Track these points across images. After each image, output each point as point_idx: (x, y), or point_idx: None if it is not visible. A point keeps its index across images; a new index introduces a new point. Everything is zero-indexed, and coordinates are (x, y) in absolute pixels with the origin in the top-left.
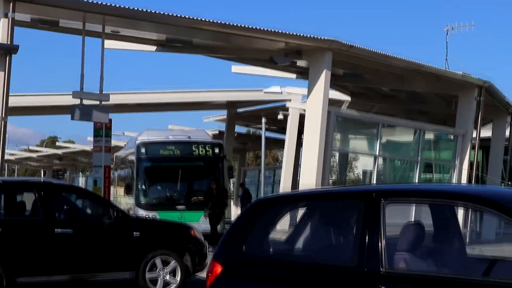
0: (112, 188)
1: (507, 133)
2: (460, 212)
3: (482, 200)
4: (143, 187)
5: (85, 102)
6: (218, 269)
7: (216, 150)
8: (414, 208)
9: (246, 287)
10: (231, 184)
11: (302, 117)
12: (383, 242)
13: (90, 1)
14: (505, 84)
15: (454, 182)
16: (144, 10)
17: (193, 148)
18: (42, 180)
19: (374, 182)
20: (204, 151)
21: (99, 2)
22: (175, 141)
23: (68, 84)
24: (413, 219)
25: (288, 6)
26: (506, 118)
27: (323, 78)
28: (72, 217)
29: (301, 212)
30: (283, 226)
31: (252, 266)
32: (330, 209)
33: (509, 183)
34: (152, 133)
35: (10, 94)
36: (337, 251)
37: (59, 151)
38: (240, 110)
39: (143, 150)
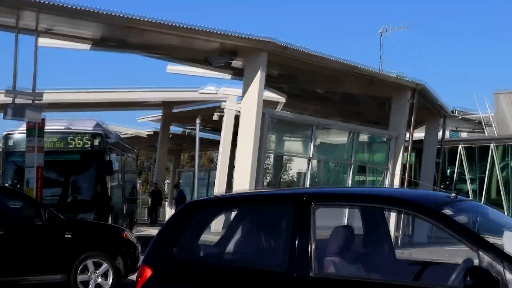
0: None
1: (440, 135)
2: (393, 216)
3: (413, 204)
4: (9, 185)
5: (18, 100)
6: (148, 273)
7: (96, 142)
8: (346, 211)
9: None
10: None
11: (237, 118)
12: (313, 246)
13: None
14: (438, 86)
15: (386, 184)
16: (79, 7)
17: (68, 140)
18: None
19: (308, 184)
20: (81, 142)
21: None
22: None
23: (0, 82)
24: (345, 222)
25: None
26: (438, 120)
27: (258, 79)
28: (2, 218)
29: (232, 215)
30: (216, 228)
31: (182, 270)
32: (261, 212)
33: (441, 187)
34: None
35: None
36: (268, 255)
37: None
38: (175, 110)
39: (10, 143)
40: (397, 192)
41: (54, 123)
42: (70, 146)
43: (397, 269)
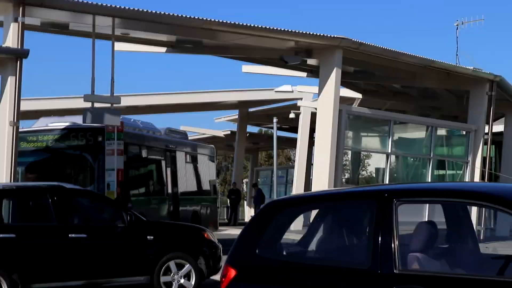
0: None
1: None
2: (474, 210)
3: (496, 199)
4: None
5: (96, 105)
6: (232, 273)
7: (99, 138)
8: (427, 206)
9: None
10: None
11: (313, 116)
12: (396, 242)
13: (99, 3)
14: None
15: (467, 178)
16: (154, 11)
17: (69, 137)
18: (54, 184)
19: (387, 180)
20: (76, 140)
21: (108, 5)
22: (41, 130)
23: (79, 88)
24: (426, 218)
25: (297, 2)
26: None
27: (334, 76)
28: (85, 221)
29: (314, 213)
30: (296, 227)
31: (265, 269)
32: (343, 210)
33: None
34: (46, 120)
35: (21, 98)
36: (351, 252)
37: None
38: (251, 109)
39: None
40: (479, 186)
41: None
42: (70, 143)
43: (482, 263)
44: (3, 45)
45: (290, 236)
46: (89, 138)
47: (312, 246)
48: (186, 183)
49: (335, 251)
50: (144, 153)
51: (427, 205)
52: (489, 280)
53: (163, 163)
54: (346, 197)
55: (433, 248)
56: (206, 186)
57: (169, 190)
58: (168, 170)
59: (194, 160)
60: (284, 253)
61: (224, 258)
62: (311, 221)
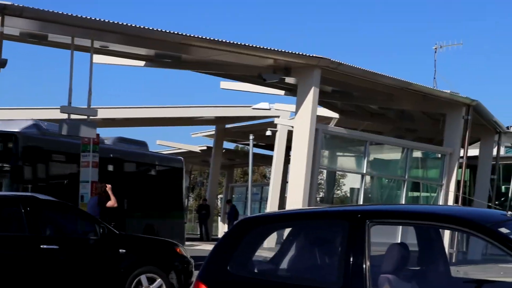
0: None
1: (495, 152)
2: (447, 234)
3: (468, 223)
4: None
5: (73, 117)
6: None
7: (9, 144)
8: (400, 228)
9: None
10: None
11: (290, 134)
12: (368, 263)
13: (79, 16)
14: (493, 103)
15: (441, 201)
16: (133, 25)
17: None
18: (27, 195)
19: (361, 200)
20: None
21: (88, 17)
22: None
23: (56, 99)
24: (399, 240)
25: (278, 23)
26: (493, 137)
27: (311, 95)
28: (58, 233)
29: (287, 231)
30: (269, 245)
31: (236, 286)
32: (316, 229)
33: (496, 203)
34: None
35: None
36: (322, 271)
37: None
38: (228, 126)
39: None
40: (452, 210)
41: None
42: None
43: (452, 287)
44: None
45: (262, 253)
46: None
47: (284, 264)
48: (137, 195)
49: (306, 270)
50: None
51: (400, 227)
52: None
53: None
54: (319, 216)
55: (404, 270)
56: (168, 199)
57: None
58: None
59: (152, 172)
60: (256, 270)
61: (196, 273)
62: (283, 239)
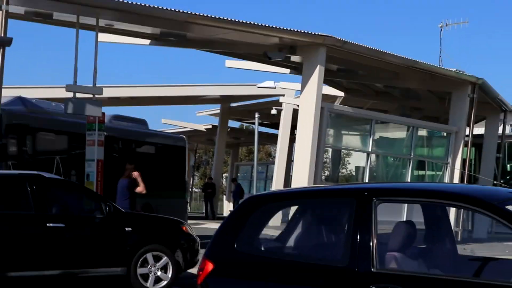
0: None
1: (500, 130)
2: (452, 211)
3: (474, 200)
4: None
5: (78, 95)
6: (209, 266)
7: None
8: (406, 206)
9: (237, 285)
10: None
11: (295, 113)
12: (375, 241)
13: None
14: (499, 81)
15: (446, 180)
16: (138, 3)
17: None
18: (33, 173)
19: (367, 179)
20: None
21: None
22: None
23: (61, 77)
24: (405, 218)
25: (283, 1)
26: (499, 115)
27: (317, 74)
28: (64, 211)
29: (293, 209)
30: (275, 223)
31: (243, 264)
32: (322, 207)
33: (501, 182)
34: None
35: (3, 86)
36: (329, 249)
37: None
38: (233, 104)
39: None
40: (459, 187)
41: None
42: None
43: (459, 265)
44: None
45: (268, 232)
46: None
47: (291, 242)
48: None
49: (313, 248)
50: (68, 140)
51: (406, 205)
52: (465, 282)
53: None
54: (325, 194)
55: (411, 248)
56: (169, 178)
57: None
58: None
59: (151, 151)
60: (262, 248)
61: (202, 251)
62: (290, 217)
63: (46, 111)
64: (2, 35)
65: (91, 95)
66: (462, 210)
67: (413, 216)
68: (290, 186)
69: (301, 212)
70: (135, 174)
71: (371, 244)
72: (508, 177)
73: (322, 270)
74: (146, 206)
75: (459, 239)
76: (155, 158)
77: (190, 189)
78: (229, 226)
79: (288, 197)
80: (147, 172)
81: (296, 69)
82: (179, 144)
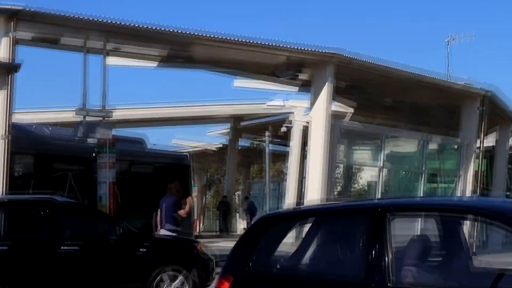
0: None
1: (511, 141)
2: (467, 224)
3: (488, 213)
4: None
5: (88, 119)
6: (226, 285)
7: None
8: (420, 220)
9: None
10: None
11: (305, 130)
12: (390, 256)
13: (91, 18)
14: (508, 93)
15: (458, 192)
16: (145, 26)
17: None
18: (46, 197)
19: (379, 193)
20: None
21: (100, 20)
22: None
23: (70, 101)
24: (418, 232)
25: (289, 15)
26: (509, 126)
27: (326, 91)
28: (77, 234)
29: (306, 227)
30: (289, 241)
31: (259, 282)
32: (336, 224)
33: None
34: None
35: (13, 111)
36: (344, 266)
37: None
38: (243, 123)
39: None
40: (472, 201)
41: None
42: None
43: (475, 278)
44: None
45: (283, 250)
46: None
47: (306, 259)
48: (134, 195)
49: (328, 264)
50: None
51: (420, 219)
52: None
53: (70, 174)
54: (339, 212)
55: (427, 262)
56: None
57: None
58: (83, 181)
59: (150, 171)
60: (278, 266)
61: (217, 270)
62: (304, 235)
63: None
64: (10, 61)
65: (101, 118)
66: (476, 222)
67: (427, 231)
68: (302, 203)
69: (315, 230)
70: (188, 200)
71: (386, 259)
72: None
73: (338, 286)
74: (146, 227)
75: (473, 251)
76: (154, 178)
77: (203, 208)
78: (244, 245)
79: (301, 215)
80: (146, 193)
81: (305, 86)
82: (181, 163)
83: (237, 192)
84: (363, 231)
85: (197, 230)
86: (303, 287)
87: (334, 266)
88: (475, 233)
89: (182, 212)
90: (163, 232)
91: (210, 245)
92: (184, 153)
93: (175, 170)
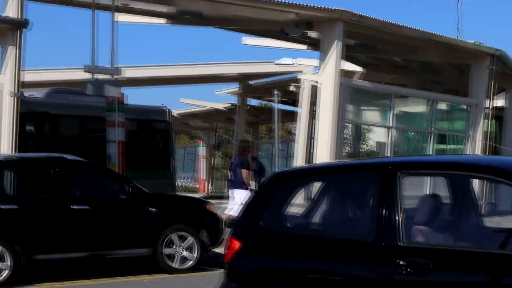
0: None
1: None
2: (476, 183)
3: (499, 172)
4: None
5: (97, 76)
6: (236, 245)
7: None
8: (429, 179)
9: (264, 262)
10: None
11: (314, 89)
12: (400, 215)
13: None
14: None
15: (468, 153)
16: None
17: None
18: (56, 156)
19: (388, 153)
20: None
21: None
22: None
23: (79, 60)
24: (428, 191)
25: None
26: None
27: (335, 49)
28: (87, 193)
29: (317, 185)
30: (299, 200)
31: (270, 241)
32: (347, 182)
33: None
34: None
35: (22, 69)
36: (355, 225)
37: None
38: (252, 82)
39: None
40: (483, 159)
41: None
42: None
43: (485, 237)
44: (3, 15)
45: (293, 209)
46: None
47: (316, 218)
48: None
49: (339, 223)
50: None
51: (429, 179)
52: (492, 254)
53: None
54: (350, 169)
55: (437, 221)
56: (147, 157)
57: None
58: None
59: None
60: (289, 225)
61: (226, 230)
62: (314, 193)
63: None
64: (20, 17)
65: (109, 76)
66: (486, 182)
67: (436, 190)
68: (312, 163)
69: (326, 188)
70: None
71: (397, 218)
72: None
73: (348, 245)
74: None
75: (483, 212)
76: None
77: (212, 169)
78: (255, 204)
79: (312, 173)
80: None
81: (314, 45)
82: (159, 118)
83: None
84: (374, 189)
85: (206, 191)
86: (314, 245)
87: (345, 224)
88: (484, 194)
89: (244, 175)
90: (236, 192)
91: (219, 206)
92: (163, 107)
93: (151, 126)
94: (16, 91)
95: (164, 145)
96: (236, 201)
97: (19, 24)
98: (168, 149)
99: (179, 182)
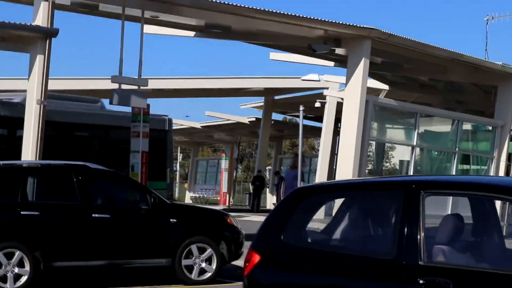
0: None
1: None
2: (498, 205)
3: None
4: None
5: (124, 87)
6: (256, 258)
7: None
8: (451, 199)
9: (284, 276)
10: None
11: (339, 106)
12: (422, 234)
13: None
14: None
15: (492, 174)
16: None
17: None
18: (79, 164)
19: (411, 172)
20: None
21: None
22: None
23: (107, 69)
24: (450, 211)
25: None
26: None
27: (362, 67)
28: (109, 202)
29: (339, 202)
30: (320, 215)
31: (290, 256)
32: (369, 199)
33: None
34: None
35: (49, 77)
36: (376, 242)
37: None
38: (277, 97)
39: None
40: (506, 180)
41: None
42: None
43: (507, 258)
44: (33, 24)
45: (315, 224)
46: None
47: (337, 234)
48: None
49: (360, 240)
50: None
51: (451, 198)
52: None
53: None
54: (373, 186)
55: (459, 241)
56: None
57: None
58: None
59: (111, 135)
60: (309, 240)
61: (246, 244)
62: (336, 209)
63: None
64: (49, 26)
65: (136, 87)
66: (508, 203)
67: (458, 210)
68: (334, 179)
69: (348, 204)
70: None
71: (418, 236)
72: None
73: (369, 262)
74: None
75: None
76: (119, 144)
77: (234, 182)
78: (276, 218)
79: (335, 189)
80: (106, 160)
81: (341, 61)
82: (156, 126)
83: (268, 167)
84: (396, 207)
85: (227, 204)
86: (334, 261)
87: (366, 241)
88: (506, 215)
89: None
90: None
91: (239, 219)
92: (163, 115)
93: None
94: (43, 99)
95: (160, 155)
96: None
97: (48, 33)
98: (165, 159)
99: (200, 194)
